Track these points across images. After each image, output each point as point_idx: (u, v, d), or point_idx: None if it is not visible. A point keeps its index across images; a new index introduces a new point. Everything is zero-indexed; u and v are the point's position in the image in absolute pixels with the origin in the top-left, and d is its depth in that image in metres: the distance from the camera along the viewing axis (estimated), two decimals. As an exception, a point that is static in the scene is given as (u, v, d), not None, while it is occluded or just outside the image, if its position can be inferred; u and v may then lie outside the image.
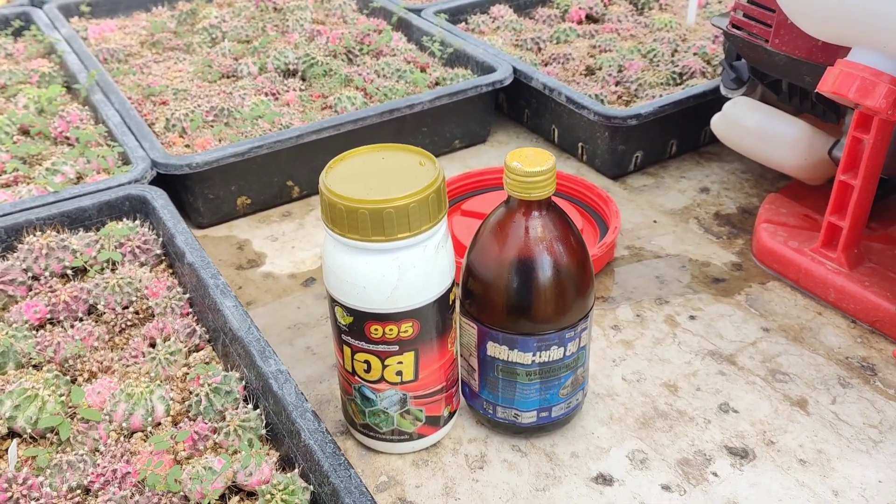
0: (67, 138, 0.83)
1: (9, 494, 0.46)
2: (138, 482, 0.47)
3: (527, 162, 0.50)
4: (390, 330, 0.51)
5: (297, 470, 0.48)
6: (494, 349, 0.55)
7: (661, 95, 0.91)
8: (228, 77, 1.00)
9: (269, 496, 0.46)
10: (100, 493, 0.46)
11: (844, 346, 0.66)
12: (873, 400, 0.61)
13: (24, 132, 0.85)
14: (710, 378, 0.64)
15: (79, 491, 0.47)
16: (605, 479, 0.56)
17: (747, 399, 0.62)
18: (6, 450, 0.51)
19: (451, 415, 0.59)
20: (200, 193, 0.81)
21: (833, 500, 0.54)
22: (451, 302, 0.54)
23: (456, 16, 1.11)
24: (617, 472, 0.56)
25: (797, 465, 0.56)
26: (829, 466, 0.56)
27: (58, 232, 0.66)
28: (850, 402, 0.61)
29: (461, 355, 0.58)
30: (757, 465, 0.56)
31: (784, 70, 0.71)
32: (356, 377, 0.54)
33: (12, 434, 0.52)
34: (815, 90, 0.58)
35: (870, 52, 0.53)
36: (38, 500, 0.46)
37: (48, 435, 0.52)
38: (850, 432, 0.58)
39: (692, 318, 0.70)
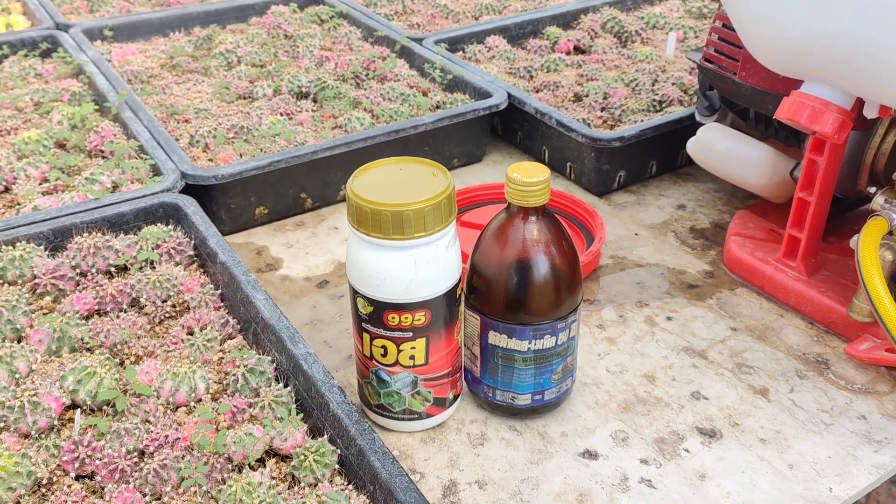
0: (101, 151, 0.90)
1: (76, 455, 0.53)
2: (187, 446, 0.55)
3: (525, 174, 0.59)
4: (405, 318, 0.59)
5: (325, 436, 0.55)
6: (495, 338, 0.62)
7: (642, 121, 1.00)
8: (245, 98, 1.08)
9: (302, 457, 0.53)
10: (155, 454, 0.54)
11: (802, 344, 0.74)
12: (826, 389, 0.69)
13: (60, 146, 0.92)
14: (684, 370, 0.72)
15: (136, 453, 0.54)
16: (590, 455, 0.63)
17: (716, 388, 0.70)
18: (70, 419, 0.58)
19: (456, 398, 0.66)
20: (223, 203, 0.88)
21: (788, 472, 0.61)
22: (457, 296, 0.62)
23: (454, 45, 1.20)
24: (601, 449, 0.64)
25: (758, 444, 0.64)
26: (786, 444, 0.64)
27: (102, 234, 0.74)
28: (806, 391, 0.69)
29: (465, 345, 0.66)
30: (723, 443, 0.64)
31: (750, 99, 0.80)
32: (374, 361, 0.61)
33: (74, 405, 0.59)
34: (774, 116, 0.67)
35: (819, 85, 0.62)
36: (101, 460, 0.53)
37: (105, 407, 0.59)
38: (805, 416, 0.66)
39: (669, 318, 0.78)
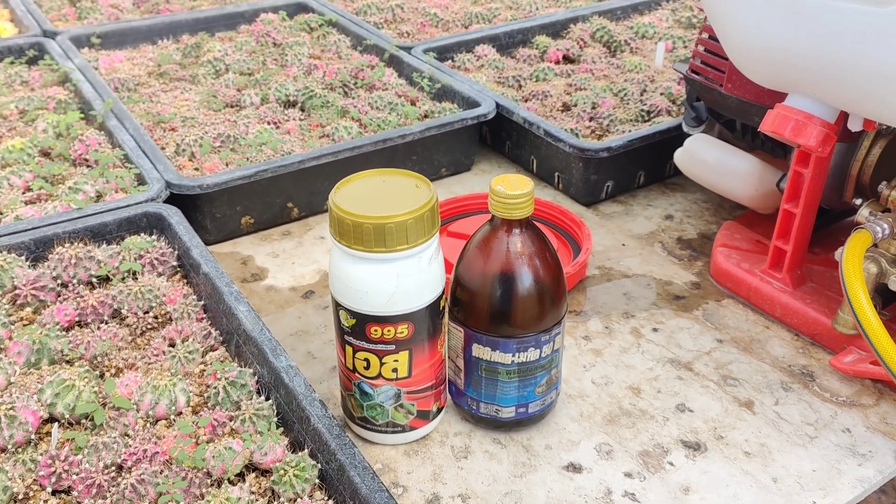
0: (86, 160, 0.89)
1: (52, 469, 0.52)
2: (166, 461, 0.54)
3: (509, 186, 0.58)
4: (388, 331, 0.58)
5: (306, 450, 0.55)
6: (479, 350, 0.62)
7: (630, 131, 1.00)
8: (232, 107, 1.08)
9: (282, 472, 0.53)
10: (133, 469, 0.53)
11: (788, 356, 0.74)
12: (811, 402, 0.69)
13: (45, 154, 0.92)
14: (670, 382, 0.71)
15: (113, 468, 0.54)
16: (574, 468, 0.63)
17: (701, 400, 0.69)
18: (47, 433, 0.57)
19: (439, 410, 0.66)
20: (209, 213, 0.88)
21: (773, 485, 0.61)
22: (441, 308, 0.61)
23: (443, 54, 1.20)
24: (585, 462, 0.63)
25: (742, 457, 0.64)
26: (770, 458, 0.64)
27: (84, 244, 0.73)
28: (791, 404, 0.69)
29: (449, 357, 0.65)
30: (708, 456, 0.64)
31: (736, 111, 0.80)
32: (356, 374, 0.61)
33: (52, 419, 0.58)
34: (758, 129, 0.67)
35: (802, 98, 0.62)
36: (78, 474, 0.52)
37: (83, 421, 0.58)
38: (790, 429, 0.66)
39: (655, 330, 0.78)
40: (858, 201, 0.73)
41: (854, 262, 0.61)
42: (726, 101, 0.81)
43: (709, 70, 0.82)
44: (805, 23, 0.56)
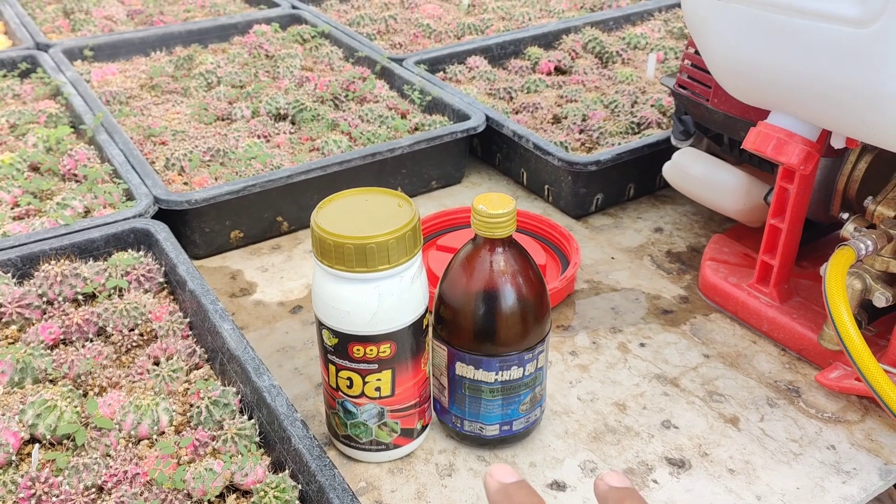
0: (75, 175, 0.90)
1: (32, 492, 0.52)
2: (147, 482, 0.54)
3: (491, 205, 0.58)
4: (370, 350, 0.58)
5: (287, 471, 0.55)
6: (462, 369, 0.62)
7: (620, 143, 1.00)
8: (223, 120, 1.08)
9: (262, 493, 0.53)
10: (113, 490, 0.53)
11: (774, 371, 0.74)
12: (796, 418, 0.69)
13: (34, 169, 0.92)
14: (656, 398, 0.71)
15: (94, 489, 0.54)
16: (559, 486, 0.63)
17: (687, 417, 0.69)
18: (28, 454, 0.57)
19: (424, 428, 0.66)
20: (198, 227, 0.88)
21: (756, 503, 0.61)
22: (424, 327, 0.61)
23: (435, 65, 1.20)
24: (570, 480, 0.63)
25: (727, 474, 0.64)
26: (755, 475, 0.64)
27: (70, 261, 0.73)
28: (776, 420, 0.69)
29: (433, 375, 0.65)
30: (692, 473, 0.64)
31: (722, 125, 0.80)
32: (340, 392, 0.61)
33: (33, 440, 0.58)
34: (741, 146, 0.67)
35: (784, 116, 0.62)
36: (58, 496, 0.52)
37: (65, 441, 0.58)
38: (775, 446, 0.66)
39: (642, 345, 0.78)
40: (845, 216, 0.72)
41: (837, 280, 0.61)
42: (713, 116, 0.81)
43: (695, 85, 0.82)
44: (785, 43, 0.56)
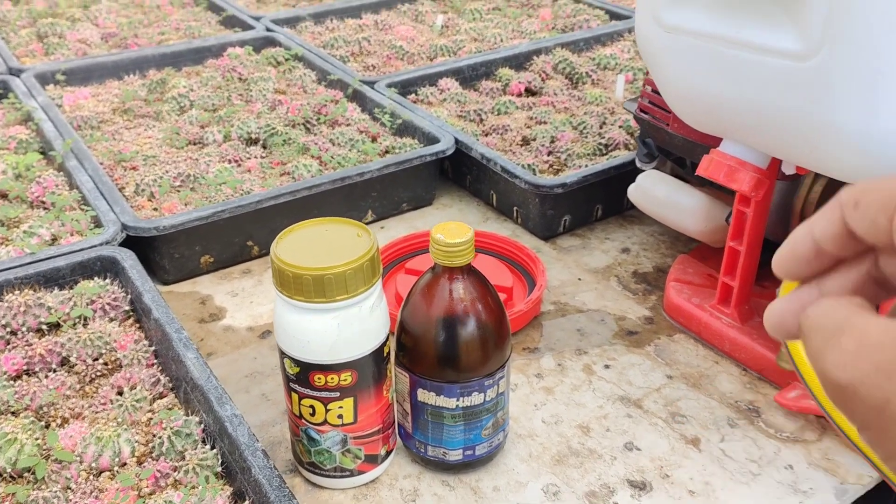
0: (43, 202, 0.90)
1: (-10, 526, 0.53)
2: (106, 514, 0.54)
3: (449, 234, 0.59)
4: (332, 378, 0.59)
5: (247, 501, 0.55)
6: (424, 395, 0.63)
7: (587, 165, 1.02)
8: (195, 144, 1.08)
9: (221, 525, 0.53)
10: (72, 524, 0.53)
11: (735, 391, 0.75)
12: (756, 438, 0.70)
13: (3, 196, 0.92)
14: (619, 420, 0.72)
15: (53, 523, 0.54)
16: (521, 510, 0.64)
17: (649, 438, 0.70)
18: (-13, 487, 0.57)
19: (388, 453, 0.66)
20: (167, 253, 0.88)
21: (715, 525, 0.62)
22: (385, 354, 0.62)
23: (407, 87, 1.22)
24: (533, 503, 0.64)
25: (687, 496, 0.65)
26: (714, 496, 0.64)
27: (34, 290, 0.73)
28: (736, 441, 0.70)
29: (397, 400, 0.66)
30: (653, 495, 0.65)
31: (682, 149, 0.82)
32: (303, 420, 0.61)
33: (-7, 473, 0.58)
34: (696, 173, 0.68)
35: (735, 144, 0.63)
36: (16, 531, 0.52)
37: (25, 474, 0.58)
38: (734, 466, 0.67)
39: (607, 367, 0.79)
40: (802, 237, 0.74)
41: (789, 304, 0.62)
42: (673, 140, 0.82)
43: (655, 109, 0.83)
44: (732, 74, 0.57)
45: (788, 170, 0.65)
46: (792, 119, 0.56)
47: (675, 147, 0.83)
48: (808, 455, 0.68)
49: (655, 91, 0.84)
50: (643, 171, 0.92)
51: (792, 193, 0.78)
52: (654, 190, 0.88)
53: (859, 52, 0.51)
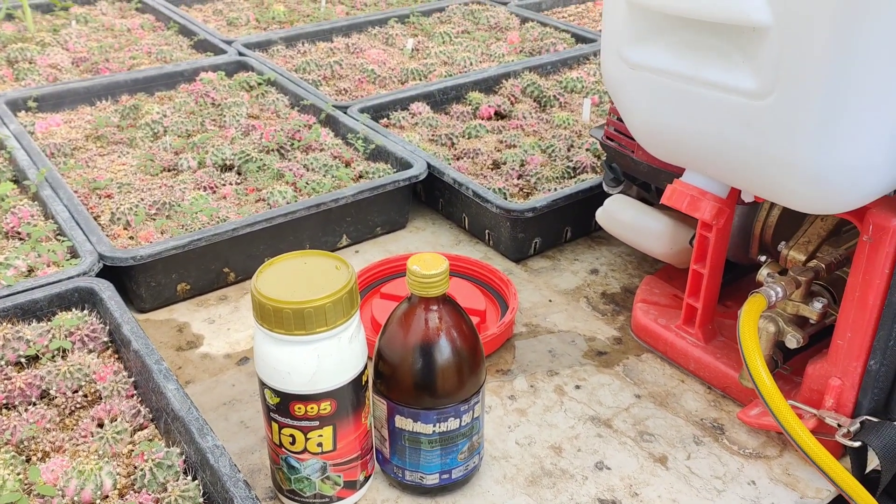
0: (18, 233, 0.90)
1: (-26, 563, 0.53)
2: (90, 548, 0.55)
3: (424, 266, 0.61)
4: (311, 408, 0.61)
5: (230, 532, 0.56)
6: (401, 421, 0.65)
7: (556, 189, 1.04)
8: (169, 171, 1.09)
9: (205, 555, 0.54)
10: (56, 559, 0.54)
11: (700, 409, 0.78)
12: (720, 455, 0.73)
13: (-23, 226, 0.92)
14: (590, 440, 0.75)
15: (37, 558, 0.55)
16: (497, 531, 0.66)
17: (619, 457, 0.73)
18: (-30, 524, 0.58)
19: (367, 479, 0.68)
20: (143, 281, 0.89)
21: (683, 540, 0.65)
22: (364, 382, 0.64)
23: (379, 112, 1.24)
24: (507, 525, 0.66)
25: (656, 513, 0.67)
26: (682, 513, 0.67)
27: (12, 324, 0.74)
28: (702, 458, 0.73)
29: (374, 427, 0.68)
30: (623, 513, 0.67)
31: (647, 175, 0.85)
32: (283, 449, 0.63)
33: (-25, 510, 0.59)
34: (660, 202, 0.71)
35: (696, 175, 0.66)
36: (0, 567, 0.53)
37: (8, 510, 0.59)
38: (700, 483, 0.70)
39: (578, 387, 0.81)
40: (763, 258, 0.77)
41: (749, 327, 0.65)
42: (638, 167, 0.85)
43: (621, 137, 0.87)
44: (692, 109, 0.60)
45: (747, 198, 0.68)
46: (749, 153, 0.59)
47: (640, 173, 0.86)
48: (769, 471, 0.71)
49: (620, 119, 0.87)
50: (610, 194, 0.95)
51: (752, 218, 0.82)
52: (620, 214, 0.91)
53: (810, 91, 0.54)
